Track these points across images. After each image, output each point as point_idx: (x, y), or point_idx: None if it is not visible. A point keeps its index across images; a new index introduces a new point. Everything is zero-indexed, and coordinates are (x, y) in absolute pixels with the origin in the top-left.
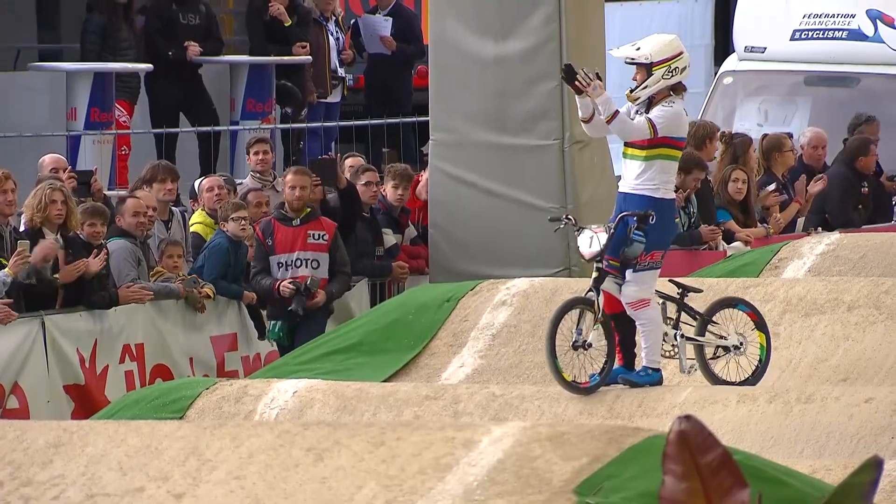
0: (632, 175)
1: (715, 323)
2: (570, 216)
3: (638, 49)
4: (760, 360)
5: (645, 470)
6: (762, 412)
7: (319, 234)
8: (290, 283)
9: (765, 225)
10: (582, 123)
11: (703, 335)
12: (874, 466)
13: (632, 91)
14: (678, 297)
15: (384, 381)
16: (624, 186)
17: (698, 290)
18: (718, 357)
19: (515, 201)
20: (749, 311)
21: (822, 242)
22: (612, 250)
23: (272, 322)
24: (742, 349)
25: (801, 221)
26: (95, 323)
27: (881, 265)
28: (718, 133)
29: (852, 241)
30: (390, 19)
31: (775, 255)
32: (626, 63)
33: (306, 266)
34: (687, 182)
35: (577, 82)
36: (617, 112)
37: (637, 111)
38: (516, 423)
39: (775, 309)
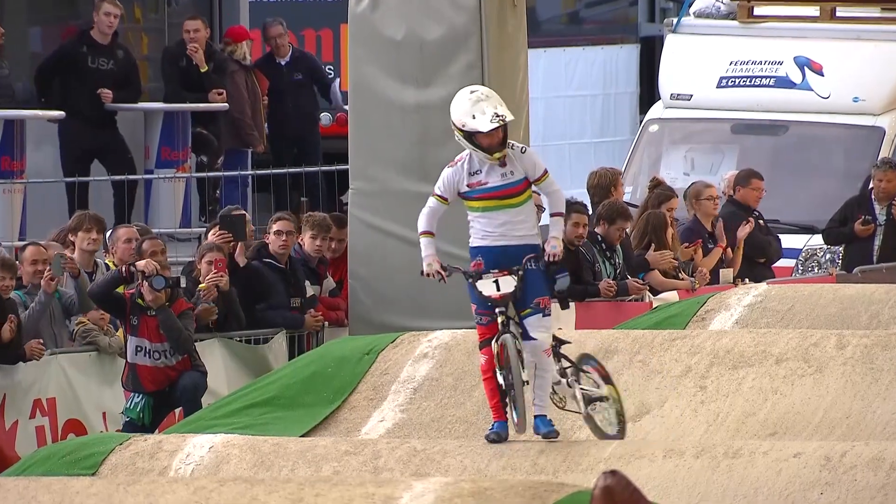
0: (505, 225)
1: (587, 372)
2: (457, 266)
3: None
4: (619, 414)
5: None
6: (689, 467)
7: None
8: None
9: (691, 279)
10: None
11: (580, 384)
12: None
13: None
14: (553, 347)
15: (302, 435)
16: (510, 239)
17: (568, 342)
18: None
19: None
20: (595, 367)
21: (750, 294)
22: (539, 291)
23: (133, 396)
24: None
25: (723, 272)
26: (4, 377)
27: (809, 317)
28: (621, 177)
29: (780, 293)
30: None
31: (702, 306)
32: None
33: (166, 356)
34: (611, 232)
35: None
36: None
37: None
38: (438, 478)
39: (702, 361)
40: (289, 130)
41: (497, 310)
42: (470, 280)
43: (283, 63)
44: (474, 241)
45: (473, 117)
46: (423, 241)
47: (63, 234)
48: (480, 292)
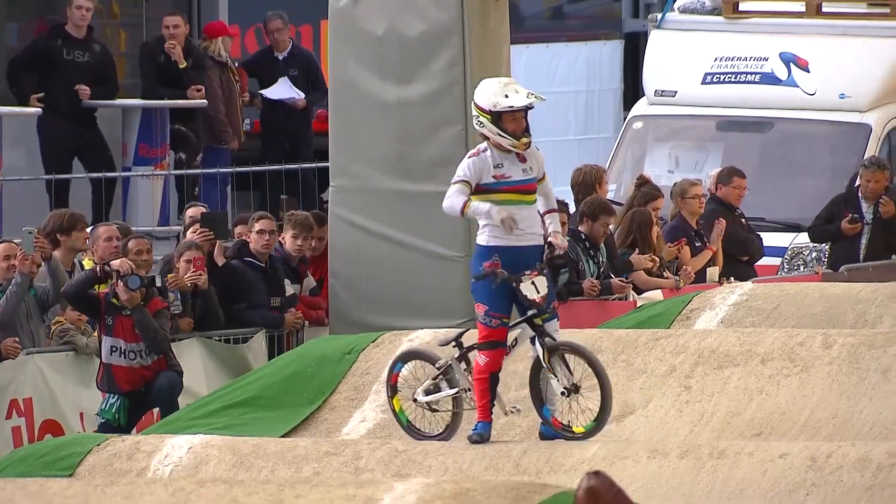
0: (524, 221)
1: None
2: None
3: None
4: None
5: None
6: (673, 468)
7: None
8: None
9: (676, 277)
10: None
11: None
12: None
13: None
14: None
15: (282, 436)
16: (526, 239)
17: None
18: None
19: (419, 250)
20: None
21: (735, 292)
22: (553, 296)
23: (108, 397)
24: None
25: (710, 271)
26: None
27: (795, 315)
28: (605, 175)
29: (766, 291)
30: (287, 82)
31: (686, 305)
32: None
33: (142, 356)
34: (595, 229)
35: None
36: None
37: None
38: (419, 479)
39: (687, 361)
40: (281, 126)
41: (530, 312)
42: (514, 284)
43: (280, 58)
44: (490, 241)
45: (506, 96)
46: (473, 204)
47: (50, 232)
48: (526, 296)
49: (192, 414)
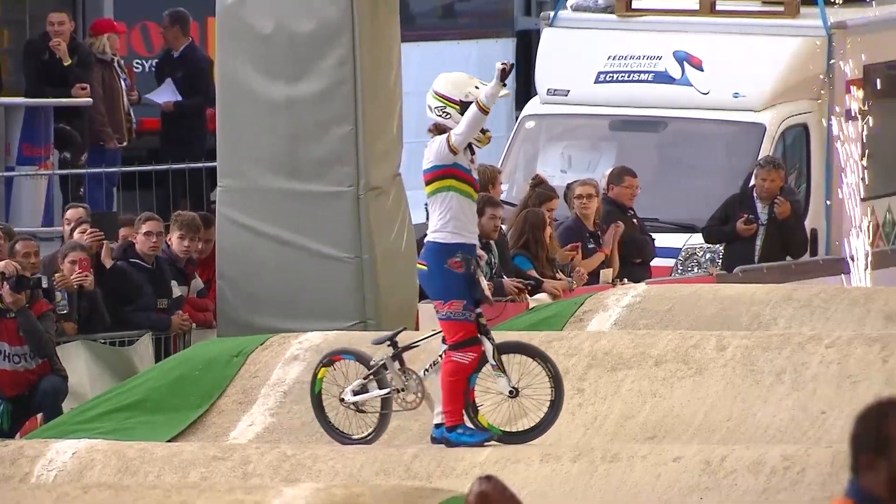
0: (475, 216)
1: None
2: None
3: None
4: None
5: None
6: (566, 472)
7: None
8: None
9: (569, 279)
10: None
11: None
12: None
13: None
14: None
15: (169, 440)
16: (475, 236)
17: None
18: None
19: (308, 251)
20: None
21: (628, 294)
22: None
23: None
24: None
25: (603, 273)
26: None
27: (689, 318)
28: (500, 175)
29: (659, 293)
30: (170, 85)
31: (579, 307)
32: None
33: (26, 360)
34: (484, 224)
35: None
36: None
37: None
38: (309, 484)
39: (580, 363)
40: (174, 126)
41: (476, 311)
42: (476, 276)
43: (175, 56)
44: (454, 237)
45: (476, 87)
46: (480, 98)
47: None
48: (483, 289)
49: (76, 418)
